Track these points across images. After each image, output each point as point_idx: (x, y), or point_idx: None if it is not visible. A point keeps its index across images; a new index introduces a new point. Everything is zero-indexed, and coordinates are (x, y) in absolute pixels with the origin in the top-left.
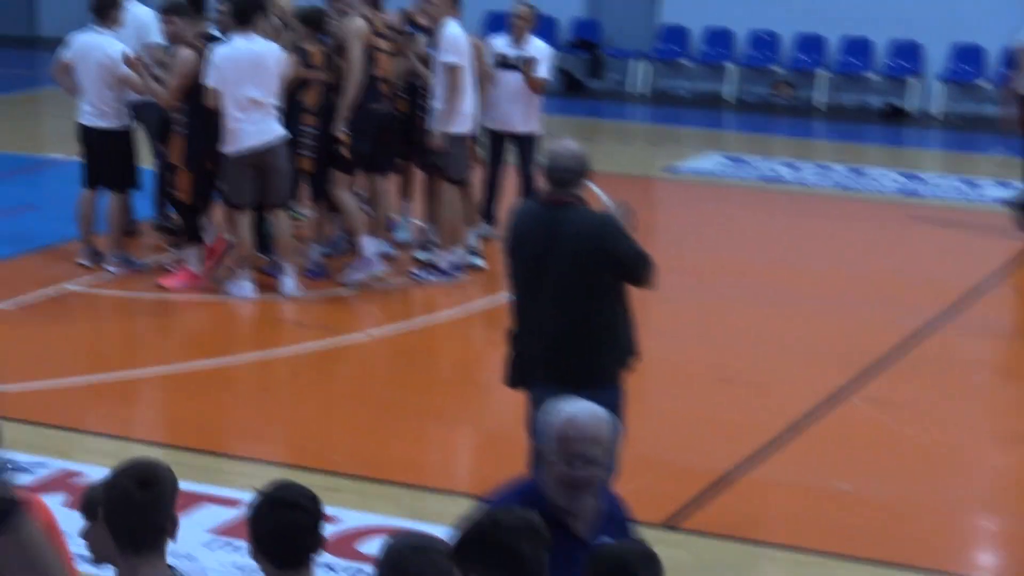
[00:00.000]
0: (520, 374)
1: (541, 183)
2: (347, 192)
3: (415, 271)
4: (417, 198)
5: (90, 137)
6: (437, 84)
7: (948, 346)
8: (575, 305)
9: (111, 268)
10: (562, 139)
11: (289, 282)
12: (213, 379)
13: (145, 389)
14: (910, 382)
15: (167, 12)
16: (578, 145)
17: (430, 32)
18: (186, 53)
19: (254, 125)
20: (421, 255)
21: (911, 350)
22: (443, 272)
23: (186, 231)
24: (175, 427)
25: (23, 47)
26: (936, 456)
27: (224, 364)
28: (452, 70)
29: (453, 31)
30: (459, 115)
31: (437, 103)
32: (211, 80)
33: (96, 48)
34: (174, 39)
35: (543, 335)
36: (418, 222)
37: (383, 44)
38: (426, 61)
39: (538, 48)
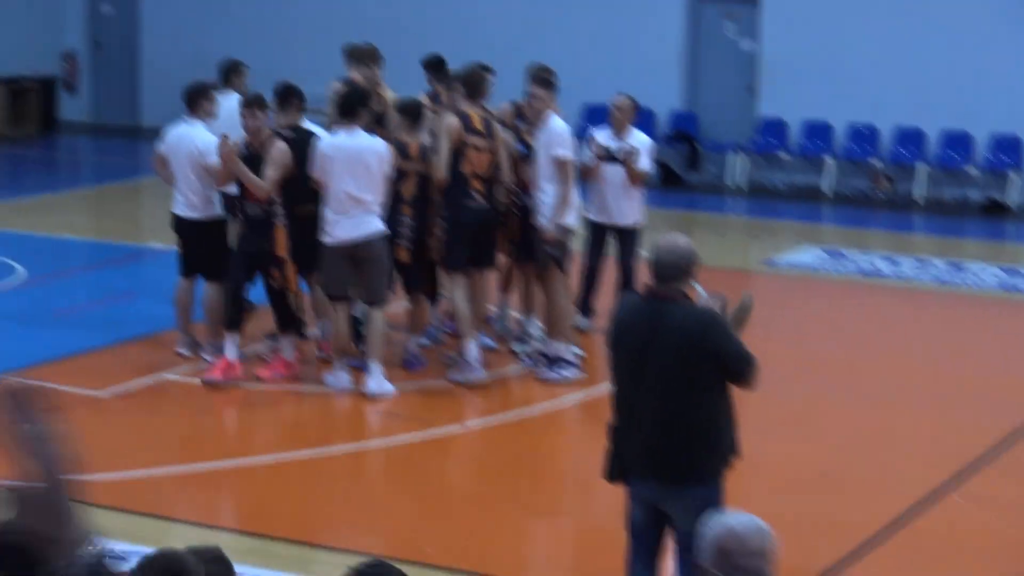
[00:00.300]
0: (619, 468)
1: (646, 276)
2: (461, 291)
3: (544, 370)
4: (514, 290)
5: (183, 227)
6: (542, 177)
7: None
8: (676, 400)
9: (207, 357)
10: (671, 234)
11: (372, 383)
12: (307, 469)
13: (238, 479)
14: (1011, 480)
15: (248, 105)
16: (686, 240)
17: (531, 124)
18: (280, 145)
19: (350, 219)
20: (518, 347)
21: (1012, 447)
22: (572, 364)
23: (281, 321)
24: (267, 517)
25: (126, 136)
26: None
27: (318, 455)
28: (564, 163)
29: (560, 124)
30: (571, 207)
31: (544, 196)
32: (314, 172)
33: (186, 139)
34: (253, 133)
35: (644, 429)
36: (515, 314)
37: (476, 140)
38: (514, 156)
39: (640, 140)
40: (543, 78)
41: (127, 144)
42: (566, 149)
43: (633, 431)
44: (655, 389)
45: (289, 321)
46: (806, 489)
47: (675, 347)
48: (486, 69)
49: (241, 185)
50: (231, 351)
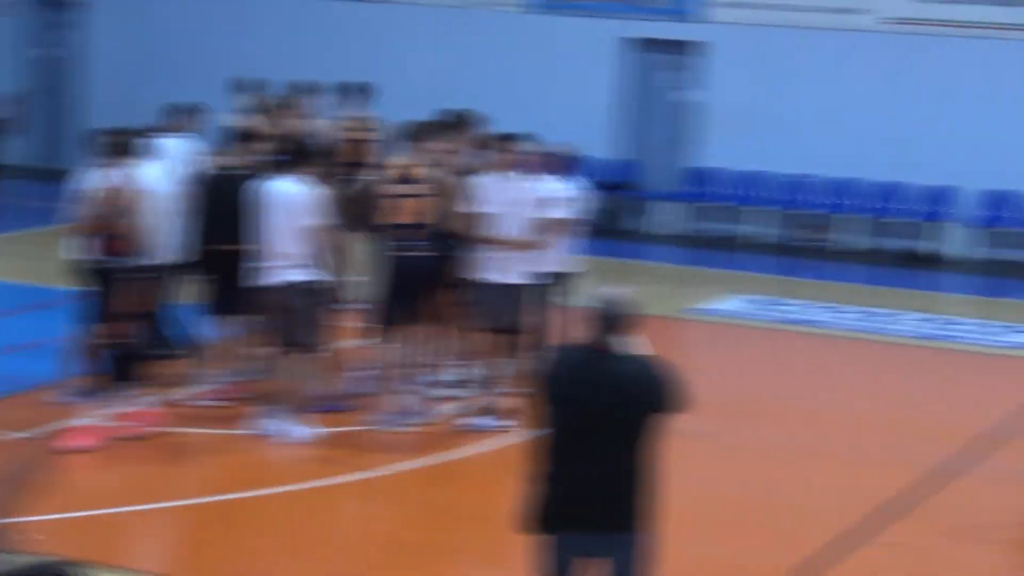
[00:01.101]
0: (546, 519)
1: (587, 326)
2: (392, 347)
3: (477, 420)
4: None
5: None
6: (521, 230)
7: (966, 491)
8: (619, 450)
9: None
10: (613, 285)
11: (273, 427)
12: (226, 513)
13: (159, 523)
14: (926, 528)
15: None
16: (628, 293)
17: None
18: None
19: (268, 264)
20: (441, 393)
21: (929, 495)
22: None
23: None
24: (189, 560)
25: (59, 180)
26: None
27: (237, 498)
28: (560, 222)
29: (556, 185)
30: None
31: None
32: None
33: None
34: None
35: (584, 480)
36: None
37: (397, 189)
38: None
39: (550, 188)
40: (531, 135)
41: (60, 188)
42: (562, 210)
43: (570, 481)
44: (596, 439)
45: (122, 374)
46: (719, 533)
47: (621, 399)
48: (460, 117)
49: (104, 237)
50: (116, 405)
